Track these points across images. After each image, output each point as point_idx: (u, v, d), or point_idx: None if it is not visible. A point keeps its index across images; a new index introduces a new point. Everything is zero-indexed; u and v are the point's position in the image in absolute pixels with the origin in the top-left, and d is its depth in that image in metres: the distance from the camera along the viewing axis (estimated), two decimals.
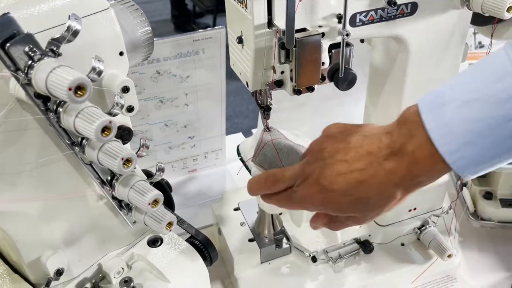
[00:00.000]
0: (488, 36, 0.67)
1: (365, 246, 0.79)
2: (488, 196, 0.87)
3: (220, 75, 0.91)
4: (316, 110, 0.94)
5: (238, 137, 1.16)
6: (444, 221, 0.82)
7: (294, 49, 0.53)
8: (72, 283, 0.57)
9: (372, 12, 0.57)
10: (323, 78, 0.58)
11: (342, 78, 0.57)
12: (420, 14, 0.59)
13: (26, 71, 0.40)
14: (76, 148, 0.48)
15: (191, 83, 0.89)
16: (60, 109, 0.43)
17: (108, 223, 0.59)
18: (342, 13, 0.53)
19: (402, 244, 0.83)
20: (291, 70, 0.55)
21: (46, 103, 0.43)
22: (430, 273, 0.78)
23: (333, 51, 0.57)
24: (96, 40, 0.48)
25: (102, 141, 0.45)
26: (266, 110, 0.64)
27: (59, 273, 0.54)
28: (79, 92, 0.38)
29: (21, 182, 0.50)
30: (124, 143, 0.51)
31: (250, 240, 0.78)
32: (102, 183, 0.52)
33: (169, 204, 0.68)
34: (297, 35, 0.52)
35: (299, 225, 0.78)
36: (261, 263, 0.78)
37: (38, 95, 0.42)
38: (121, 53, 0.50)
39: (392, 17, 0.58)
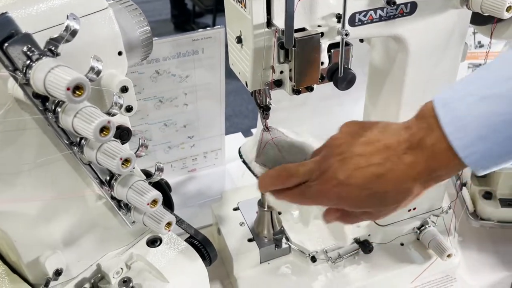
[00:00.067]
0: (488, 35, 0.66)
1: (365, 246, 0.79)
2: (488, 196, 0.87)
3: (220, 75, 0.90)
4: (316, 110, 0.94)
5: (238, 137, 1.16)
6: (443, 221, 0.82)
7: (293, 48, 0.52)
8: (71, 283, 0.57)
9: (372, 12, 0.57)
10: (322, 78, 0.58)
11: (342, 78, 0.57)
12: (419, 13, 0.59)
13: (24, 71, 0.40)
14: (75, 148, 0.48)
15: (190, 83, 0.89)
16: (59, 109, 0.43)
17: (107, 223, 0.59)
18: (341, 12, 0.53)
19: (402, 244, 0.82)
20: (290, 70, 0.55)
21: (45, 103, 0.43)
22: (429, 273, 0.78)
23: (332, 50, 0.57)
24: (94, 39, 0.48)
25: (100, 141, 0.45)
26: (265, 110, 0.64)
27: (58, 273, 0.54)
28: (77, 92, 0.38)
29: (19, 182, 0.50)
30: (123, 143, 0.51)
31: (250, 240, 0.78)
32: (101, 183, 0.52)
33: (168, 204, 0.68)
34: (296, 35, 0.52)
35: (306, 224, 0.77)
36: (261, 263, 0.78)
37: (36, 95, 0.42)
38: (119, 53, 0.50)
39: (392, 16, 0.58)
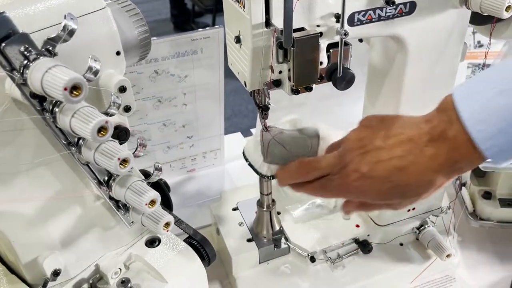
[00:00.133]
0: (487, 35, 0.66)
1: (364, 246, 0.79)
2: (487, 196, 0.87)
3: (219, 75, 0.90)
4: (315, 110, 0.94)
5: (237, 137, 1.16)
6: (443, 221, 0.82)
7: (292, 48, 0.52)
8: (69, 283, 0.57)
9: (371, 12, 0.57)
10: (321, 78, 0.57)
11: (341, 78, 0.56)
12: (418, 13, 0.59)
13: (21, 71, 0.40)
14: (73, 148, 0.48)
15: (189, 83, 0.89)
16: (56, 109, 0.43)
17: (106, 224, 0.59)
18: (340, 12, 0.53)
19: (401, 244, 0.82)
20: (289, 70, 0.55)
21: (42, 103, 0.43)
22: (429, 273, 0.78)
23: (331, 50, 0.57)
24: (92, 39, 0.48)
25: (98, 141, 0.45)
26: (264, 109, 0.64)
27: (56, 273, 0.53)
28: (74, 92, 0.38)
29: (17, 182, 0.49)
30: (121, 143, 0.51)
31: (249, 240, 0.78)
32: (99, 183, 0.52)
33: (167, 204, 0.68)
34: (295, 35, 0.52)
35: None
36: (260, 263, 0.78)
37: (34, 95, 0.42)
38: (117, 53, 0.50)
39: (391, 16, 0.58)
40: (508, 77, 0.42)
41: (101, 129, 0.41)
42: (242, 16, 0.54)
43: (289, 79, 0.56)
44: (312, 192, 0.55)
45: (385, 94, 0.70)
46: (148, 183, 0.52)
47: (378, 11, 0.57)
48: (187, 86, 0.89)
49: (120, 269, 0.59)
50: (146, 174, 0.59)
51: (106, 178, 0.52)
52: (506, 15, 0.56)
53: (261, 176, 0.68)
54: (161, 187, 0.67)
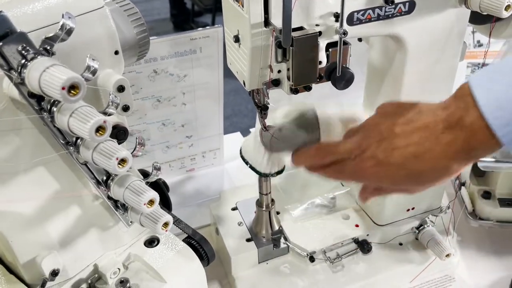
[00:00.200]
0: (487, 34, 0.66)
1: (363, 245, 0.79)
2: (487, 195, 0.87)
3: (218, 74, 0.90)
4: None
5: (237, 137, 1.16)
6: (442, 220, 0.82)
7: (291, 48, 0.52)
8: (67, 283, 0.57)
9: (370, 11, 0.57)
10: (320, 77, 0.57)
11: (340, 77, 0.56)
12: (418, 12, 0.59)
13: (19, 70, 0.39)
14: (71, 147, 0.47)
15: (188, 82, 0.89)
16: (54, 109, 0.42)
17: (104, 224, 0.59)
18: (339, 11, 0.53)
19: (400, 244, 0.82)
20: (288, 69, 0.55)
21: (40, 103, 0.43)
22: (428, 272, 0.78)
23: (330, 50, 0.57)
24: (90, 39, 0.48)
25: (96, 141, 0.45)
26: (263, 109, 0.64)
27: (54, 273, 0.53)
28: (72, 91, 0.38)
29: (15, 181, 0.49)
30: (119, 143, 0.51)
31: (248, 240, 0.78)
32: (98, 183, 0.52)
33: (166, 204, 0.68)
34: (294, 34, 0.52)
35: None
36: (259, 263, 0.78)
37: (31, 95, 0.42)
38: (116, 52, 0.50)
39: (390, 15, 0.58)
40: None
41: (99, 129, 0.41)
42: (241, 16, 0.54)
43: (288, 78, 0.56)
44: (328, 175, 0.56)
45: (384, 94, 0.70)
46: (147, 183, 0.52)
47: (377, 10, 0.57)
48: (186, 86, 0.89)
49: (118, 269, 0.59)
50: (145, 174, 0.58)
51: (105, 177, 0.52)
52: (505, 14, 0.56)
53: (260, 175, 0.67)
54: (160, 187, 0.67)
